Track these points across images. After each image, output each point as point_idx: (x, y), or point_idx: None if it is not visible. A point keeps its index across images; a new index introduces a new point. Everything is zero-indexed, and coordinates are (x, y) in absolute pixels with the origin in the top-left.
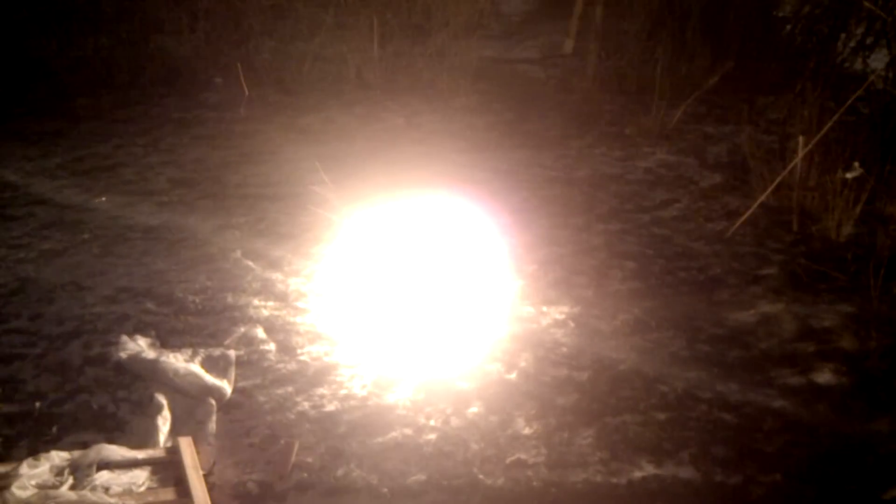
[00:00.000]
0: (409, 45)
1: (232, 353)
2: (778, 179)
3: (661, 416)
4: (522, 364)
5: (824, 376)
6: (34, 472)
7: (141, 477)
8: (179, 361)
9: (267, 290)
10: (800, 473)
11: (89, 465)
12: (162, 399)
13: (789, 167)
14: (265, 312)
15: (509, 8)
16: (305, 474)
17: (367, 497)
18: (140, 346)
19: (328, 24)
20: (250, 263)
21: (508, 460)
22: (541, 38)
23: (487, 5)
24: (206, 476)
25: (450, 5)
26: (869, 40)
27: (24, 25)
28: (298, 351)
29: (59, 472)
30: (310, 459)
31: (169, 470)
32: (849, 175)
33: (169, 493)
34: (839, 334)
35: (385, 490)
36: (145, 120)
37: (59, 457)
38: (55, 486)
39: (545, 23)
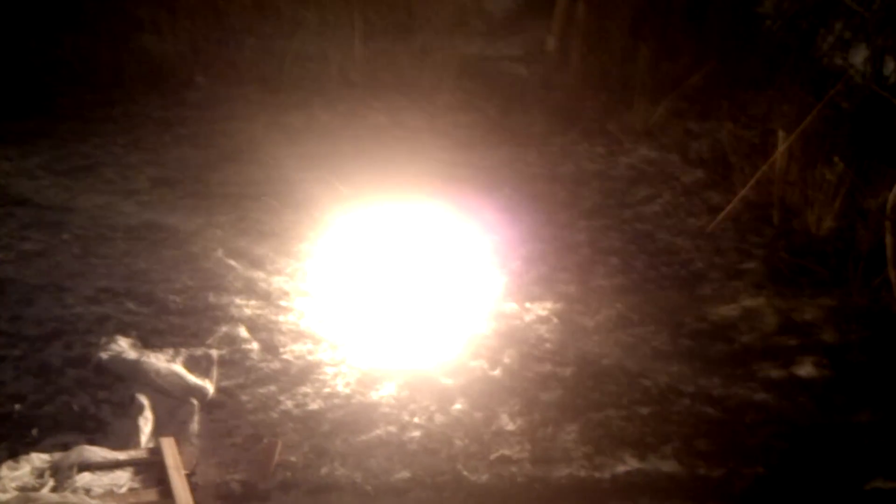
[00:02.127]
0: (393, 42)
1: (214, 353)
2: (758, 174)
3: (645, 411)
4: (506, 360)
5: (806, 369)
6: (14, 475)
7: (123, 478)
8: (161, 361)
9: (249, 289)
10: (782, 465)
11: (70, 467)
12: (143, 400)
13: (769, 162)
14: (248, 311)
15: (493, 5)
16: (289, 473)
17: (352, 495)
18: (121, 346)
19: (310, 21)
20: (232, 262)
21: (493, 456)
22: (524, 36)
23: (471, 3)
24: (188, 476)
25: (433, 3)
26: (847, 36)
27: (2, 24)
28: (281, 350)
29: (39, 474)
30: (293, 458)
31: (151, 471)
32: (829, 176)
33: (151, 494)
34: (820, 327)
35: (369, 488)
36: (126, 119)
37: (39, 459)
38: (36, 489)
39: (528, 20)
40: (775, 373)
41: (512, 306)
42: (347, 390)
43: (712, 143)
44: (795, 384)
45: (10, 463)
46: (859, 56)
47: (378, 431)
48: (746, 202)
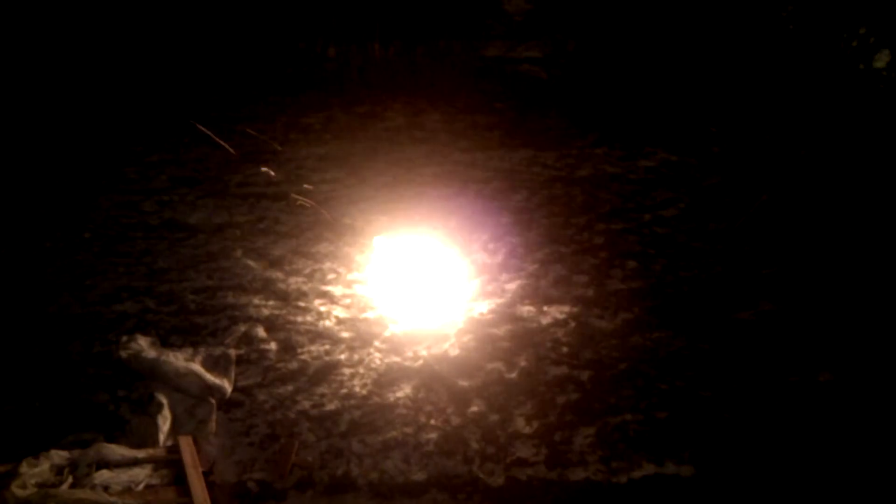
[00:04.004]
0: (412, 44)
1: (232, 352)
2: (781, 180)
3: (662, 415)
4: (523, 363)
5: (826, 376)
6: (34, 472)
7: (141, 475)
8: (180, 360)
9: (268, 289)
10: (802, 473)
11: (89, 464)
12: (162, 398)
13: (791, 166)
14: (266, 312)
15: (512, 7)
16: (306, 473)
17: (368, 496)
18: (140, 345)
19: (331, 24)
20: (251, 262)
21: (509, 459)
22: (543, 38)
23: (491, 5)
24: (206, 475)
25: (452, 5)
26: (871, 41)
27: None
28: (299, 350)
29: (58, 470)
30: (310, 458)
31: (169, 469)
32: None
33: (169, 492)
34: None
35: (385, 489)
36: (146, 118)
37: (58, 456)
38: (55, 485)
39: (548, 23)
40: (795, 378)
41: (529, 309)
42: (364, 391)
43: (732, 147)
44: (816, 390)
45: (29, 459)
46: (882, 61)
47: (394, 432)
48: (767, 206)
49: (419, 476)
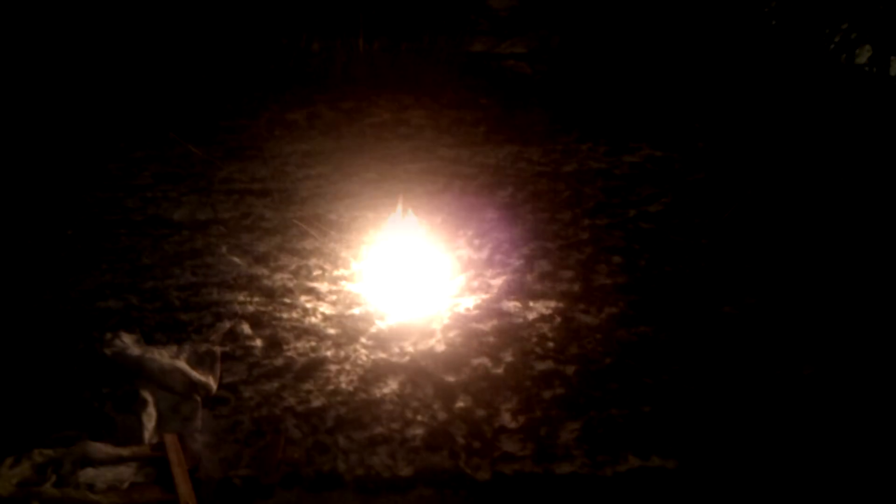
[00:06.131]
0: (397, 40)
1: (217, 349)
2: (765, 175)
3: (647, 409)
4: (509, 358)
5: (809, 370)
6: (16, 471)
7: (125, 474)
8: (164, 357)
9: (253, 286)
10: (791, 466)
11: (73, 463)
12: (147, 395)
13: (775, 163)
14: (251, 308)
15: (497, 3)
16: (292, 469)
17: (354, 492)
18: (124, 342)
19: (314, 18)
20: (236, 259)
21: (495, 454)
22: (529, 33)
23: (475, 0)
24: (191, 472)
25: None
26: (853, 36)
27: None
28: (285, 347)
29: (41, 469)
30: (296, 454)
31: (154, 466)
32: None
33: (154, 490)
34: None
35: (372, 484)
36: (129, 114)
37: (41, 454)
38: (38, 484)
39: (533, 18)
40: (779, 372)
41: (514, 304)
42: (351, 387)
43: (718, 142)
44: (800, 383)
45: (11, 458)
46: (864, 56)
47: (381, 428)
48: (751, 201)
49: (406, 471)
